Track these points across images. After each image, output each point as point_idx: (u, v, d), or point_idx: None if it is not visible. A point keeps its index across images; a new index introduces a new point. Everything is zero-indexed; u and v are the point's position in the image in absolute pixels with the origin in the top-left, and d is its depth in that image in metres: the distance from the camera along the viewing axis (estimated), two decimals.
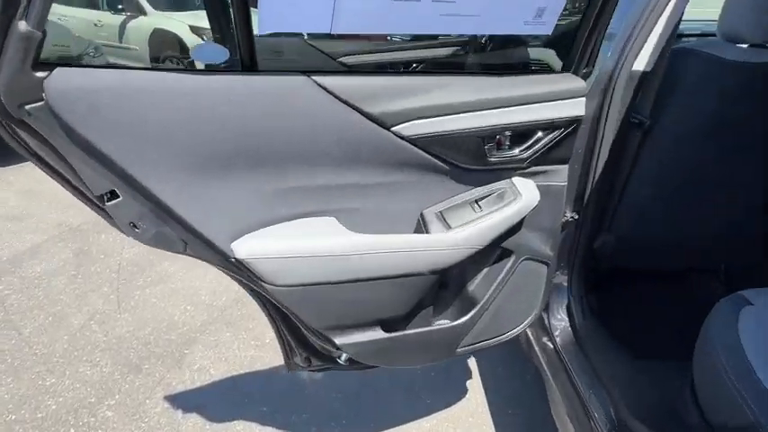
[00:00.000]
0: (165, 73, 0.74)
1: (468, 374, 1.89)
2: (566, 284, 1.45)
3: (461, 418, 1.69)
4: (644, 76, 1.22)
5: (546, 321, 1.44)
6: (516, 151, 1.03)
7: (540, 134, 1.03)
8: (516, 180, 1.07)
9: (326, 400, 1.75)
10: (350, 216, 0.96)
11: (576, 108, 1.01)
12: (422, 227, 1.03)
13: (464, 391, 1.80)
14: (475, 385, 1.83)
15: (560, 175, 1.11)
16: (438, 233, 0.99)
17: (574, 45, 1.00)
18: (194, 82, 0.75)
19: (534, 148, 1.03)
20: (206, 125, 0.77)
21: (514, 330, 1.27)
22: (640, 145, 1.31)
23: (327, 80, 0.82)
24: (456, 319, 1.17)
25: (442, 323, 1.17)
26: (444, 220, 1.02)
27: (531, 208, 1.06)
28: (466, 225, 1.00)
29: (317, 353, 1.20)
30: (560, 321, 1.43)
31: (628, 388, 1.23)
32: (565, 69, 1.04)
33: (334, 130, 0.85)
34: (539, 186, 1.08)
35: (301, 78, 0.81)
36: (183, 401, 1.73)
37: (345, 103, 0.84)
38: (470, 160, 1.00)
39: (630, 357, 1.32)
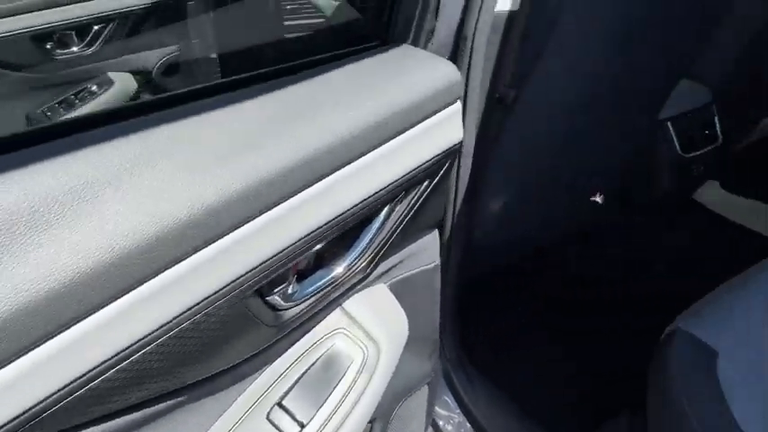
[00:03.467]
0: None
1: None
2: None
3: None
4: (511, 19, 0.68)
5: None
6: (340, 268, 0.52)
7: (387, 209, 0.54)
8: (352, 306, 0.57)
9: None
10: None
11: (449, 128, 0.54)
12: None
13: None
14: None
15: (430, 248, 0.65)
16: None
17: None
18: None
19: (379, 238, 0.54)
20: None
21: None
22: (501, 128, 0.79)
23: None
24: None
25: None
26: None
27: (399, 353, 0.59)
28: None
29: None
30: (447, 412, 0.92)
31: None
32: (389, 38, 0.55)
33: None
34: (396, 286, 0.61)
35: None
36: None
37: None
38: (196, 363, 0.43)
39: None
